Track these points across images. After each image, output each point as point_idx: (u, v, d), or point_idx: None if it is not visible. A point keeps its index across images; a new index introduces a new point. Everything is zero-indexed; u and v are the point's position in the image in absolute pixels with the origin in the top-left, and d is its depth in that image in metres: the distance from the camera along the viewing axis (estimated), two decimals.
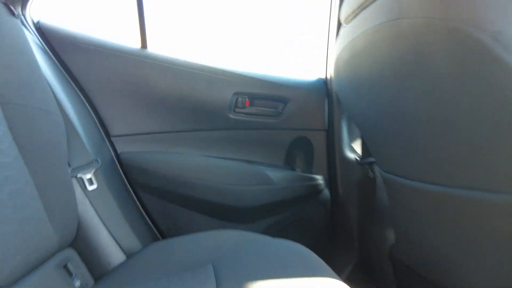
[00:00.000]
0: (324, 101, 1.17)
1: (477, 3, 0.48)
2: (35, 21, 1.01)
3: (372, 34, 0.66)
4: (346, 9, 0.82)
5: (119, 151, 1.09)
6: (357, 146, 1.18)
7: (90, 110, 1.05)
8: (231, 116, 1.14)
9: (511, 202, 0.55)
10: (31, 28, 0.98)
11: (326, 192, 1.19)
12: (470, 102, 0.53)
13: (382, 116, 0.77)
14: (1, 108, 0.60)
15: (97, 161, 0.90)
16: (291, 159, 1.19)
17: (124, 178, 1.09)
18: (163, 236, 1.12)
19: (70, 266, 0.73)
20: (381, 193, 1.07)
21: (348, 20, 0.82)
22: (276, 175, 1.12)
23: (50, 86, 0.84)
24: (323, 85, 1.19)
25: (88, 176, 0.87)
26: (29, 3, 0.96)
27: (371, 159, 1.07)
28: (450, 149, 0.62)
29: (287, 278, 0.56)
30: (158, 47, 1.12)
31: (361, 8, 0.74)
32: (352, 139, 1.18)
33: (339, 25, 1.09)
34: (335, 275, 0.59)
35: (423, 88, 0.60)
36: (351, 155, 1.16)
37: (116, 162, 1.08)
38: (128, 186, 1.09)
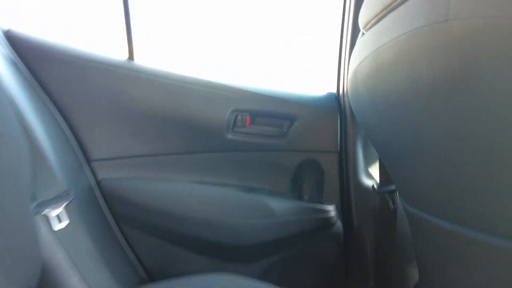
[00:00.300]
0: (336, 119, 1.02)
1: None
2: (5, 29, 0.89)
3: (405, 42, 0.52)
4: (367, 12, 0.69)
5: (100, 177, 0.95)
6: (375, 170, 1.03)
7: (67, 130, 0.91)
8: (229, 136, 1.00)
9: None
10: None
11: (339, 224, 1.04)
12: None
13: (411, 142, 0.63)
14: None
15: (70, 192, 0.76)
16: (298, 185, 1.04)
17: (106, 209, 0.95)
18: (151, 277, 0.97)
19: None
20: (403, 226, 0.92)
21: (369, 26, 0.69)
22: (280, 206, 0.97)
23: (15, 104, 0.71)
24: (335, 100, 1.04)
25: (57, 211, 0.73)
26: None
27: (392, 187, 0.92)
28: (499, 189, 0.48)
29: None
30: (146, 59, 1.00)
31: (387, 10, 0.60)
32: (368, 162, 1.04)
33: (355, 31, 0.96)
34: None
35: (475, 110, 0.46)
36: (368, 182, 1.01)
37: (97, 191, 0.94)
38: (111, 219, 0.95)
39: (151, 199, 0.94)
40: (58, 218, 0.73)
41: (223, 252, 0.97)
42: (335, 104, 1.03)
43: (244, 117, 1.00)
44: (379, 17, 0.64)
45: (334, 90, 1.08)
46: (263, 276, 0.80)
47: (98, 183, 0.95)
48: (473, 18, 0.41)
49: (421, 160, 0.62)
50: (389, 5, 0.59)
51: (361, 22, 0.73)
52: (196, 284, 0.71)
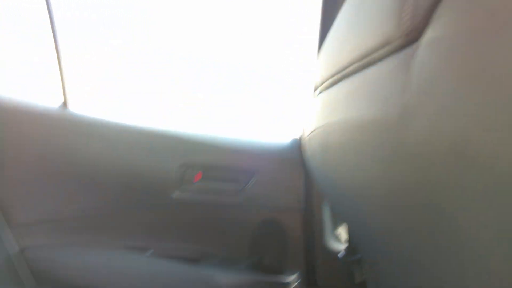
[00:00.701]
0: (301, 172, 0.91)
1: None
2: None
3: (355, 129, 0.41)
4: (321, 71, 0.58)
5: (24, 245, 0.81)
6: (343, 232, 0.92)
7: None
8: (177, 193, 0.87)
9: None
10: None
11: None
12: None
13: (373, 229, 0.52)
14: None
15: None
16: (257, 249, 0.92)
17: (31, 282, 0.81)
18: None
19: None
20: None
21: (321, 89, 0.58)
22: (231, 282, 0.83)
23: None
24: (299, 150, 0.92)
25: None
26: None
27: (358, 256, 0.81)
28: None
29: None
30: (83, 106, 0.87)
31: (341, 75, 0.49)
32: (336, 222, 0.92)
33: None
34: None
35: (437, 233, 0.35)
36: (335, 245, 0.89)
37: (19, 262, 0.80)
38: None
39: (83, 272, 0.81)
40: None
41: None
42: (299, 155, 0.91)
43: (194, 172, 0.88)
44: (333, 81, 0.53)
45: (299, 136, 0.96)
46: None
47: (21, 252, 0.81)
48: (436, 125, 0.30)
49: (390, 251, 0.50)
50: (343, 69, 0.49)
51: (316, 80, 0.62)
52: None
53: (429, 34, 0.30)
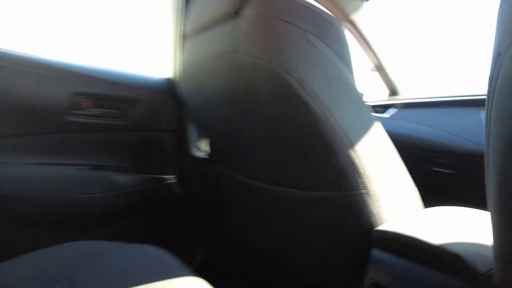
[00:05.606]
0: (172, 102, 1.18)
1: (286, 53, 0.60)
2: None
3: (213, 61, 0.74)
4: (190, 24, 0.86)
5: None
6: (206, 145, 1.25)
7: None
8: (68, 118, 1.02)
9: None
10: None
11: (178, 190, 1.23)
12: (281, 124, 0.67)
13: (223, 129, 0.88)
14: None
15: None
16: (142, 161, 1.17)
17: None
18: None
19: None
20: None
21: (191, 34, 0.87)
22: (125, 179, 1.09)
23: None
24: (171, 85, 1.19)
25: None
26: None
27: (216, 157, 1.17)
28: (268, 157, 0.76)
29: (147, 283, 0.55)
30: None
31: (203, 28, 0.79)
32: (201, 138, 1.25)
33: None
34: (191, 272, 0.62)
35: (251, 111, 0.72)
36: (200, 154, 1.22)
37: None
38: None
39: None
40: None
41: (74, 224, 1.03)
42: (171, 89, 1.18)
43: (84, 100, 1.04)
44: (198, 31, 0.82)
45: (170, 75, 1.22)
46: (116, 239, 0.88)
47: None
48: (247, 55, 0.64)
49: (231, 141, 0.86)
50: (205, 24, 0.79)
51: (186, 29, 0.90)
52: (50, 255, 0.70)
53: (246, 12, 0.64)
